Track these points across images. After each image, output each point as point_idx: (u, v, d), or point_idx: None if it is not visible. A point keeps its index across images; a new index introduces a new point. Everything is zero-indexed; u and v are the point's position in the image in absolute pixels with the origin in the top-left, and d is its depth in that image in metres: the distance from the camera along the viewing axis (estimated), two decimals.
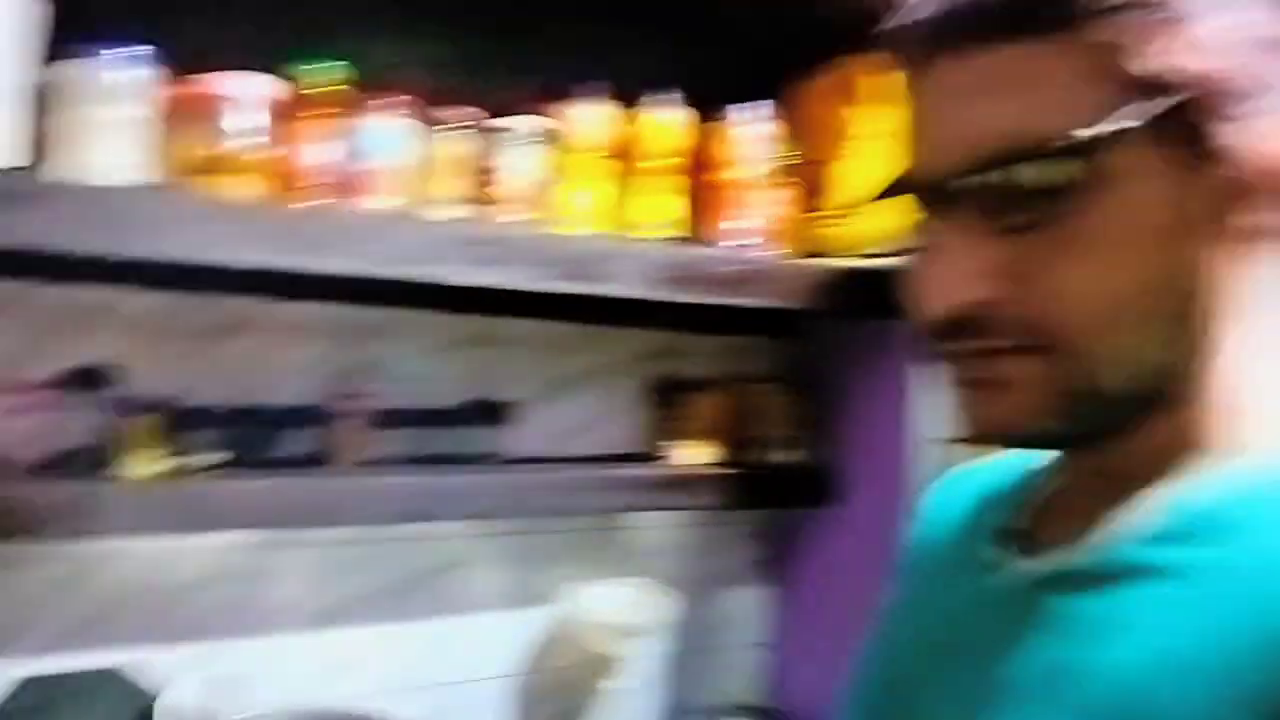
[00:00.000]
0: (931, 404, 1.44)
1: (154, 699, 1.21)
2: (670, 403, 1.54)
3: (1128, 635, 0.51)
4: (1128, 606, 0.52)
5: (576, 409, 1.55)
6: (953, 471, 0.79)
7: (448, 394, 1.43)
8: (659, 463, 1.51)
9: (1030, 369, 0.53)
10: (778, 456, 1.58)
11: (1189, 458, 0.54)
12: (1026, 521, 0.64)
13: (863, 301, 1.46)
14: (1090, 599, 0.54)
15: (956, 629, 0.64)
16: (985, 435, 0.58)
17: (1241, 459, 0.53)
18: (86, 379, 1.16)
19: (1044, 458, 0.66)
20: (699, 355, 1.64)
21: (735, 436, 1.56)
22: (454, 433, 1.38)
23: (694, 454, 1.51)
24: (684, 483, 1.47)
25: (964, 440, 0.60)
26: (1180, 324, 0.53)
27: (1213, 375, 0.54)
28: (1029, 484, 0.67)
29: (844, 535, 1.57)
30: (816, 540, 1.65)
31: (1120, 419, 0.55)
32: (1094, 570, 0.55)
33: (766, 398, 1.59)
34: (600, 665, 1.52)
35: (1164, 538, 0.53)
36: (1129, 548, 0.54)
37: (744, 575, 1.72)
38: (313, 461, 1.27)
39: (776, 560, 1.72)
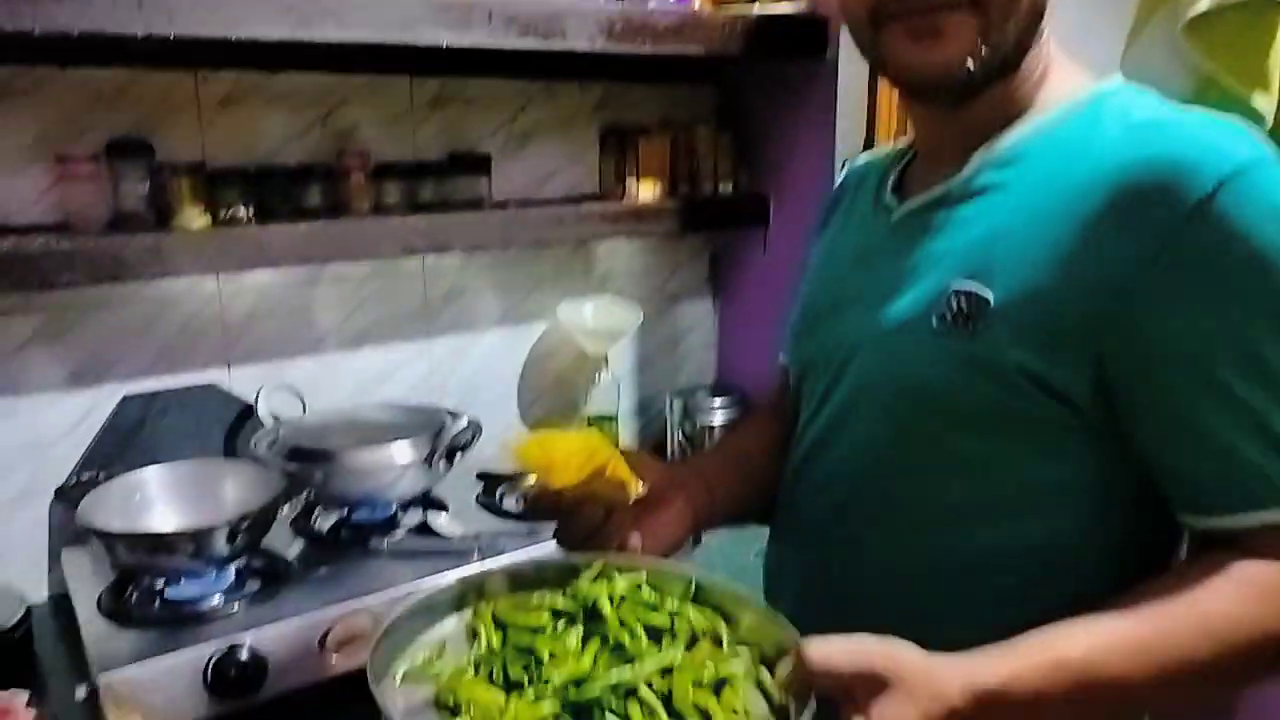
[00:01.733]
0: (848, 131, 1.56)
1: (249, 404, 1.39)
2: (623, 147, 1.64)
3: (979, 224, 0.71)
4: (976, 210, 0.72)
5: (542, 158, 1.65)
6: (858, 156, 0.96)
7: (430, 150, 1.52)
8: (618, 199, 1.64)
9: (962, 21, 0.68)
10: (718, 188, 1.71)
11: (1015, 112, 0.73)
12: (904, 180, 0.82)
13: (785, 45, 1.55)
14: (953, 211, 0.74)
15: (863, 258, 0.82)
16: (924, 78, 0.73)
17: (1040, 112, 0.73)
18: (126, 149, 1.25)
19: (909, 142, 0.85)
20: (645, 104, 1.73)
21: (681, 173, 1.69)
22: (442, 183, 1.48)
23: (646, 190, 1.64)
24: (641, 214, 1.61)
25: (905, 82, 0.75)
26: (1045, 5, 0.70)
27: (1038, 50, 0.72)
28: (901, 158, 0.85)
29: (776, 249, 1.73)
30: (753, 256, 1.80)
31: (995, 77, 0.71)
32: (955, 194, 0.74)
33: (706, 138, 1.69)
34: (588, 364, 1.71)
35: (995, 166, 0.72)
36: (976, 176, 0.73)
37: (696, 289, 1.89)
38: (329, 210, 1.39)
39: (722, 275, 1.89)
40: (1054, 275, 0.65)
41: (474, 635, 0.72)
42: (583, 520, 0.78)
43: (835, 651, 0.60)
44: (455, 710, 0.64)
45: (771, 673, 0.67)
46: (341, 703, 1.02)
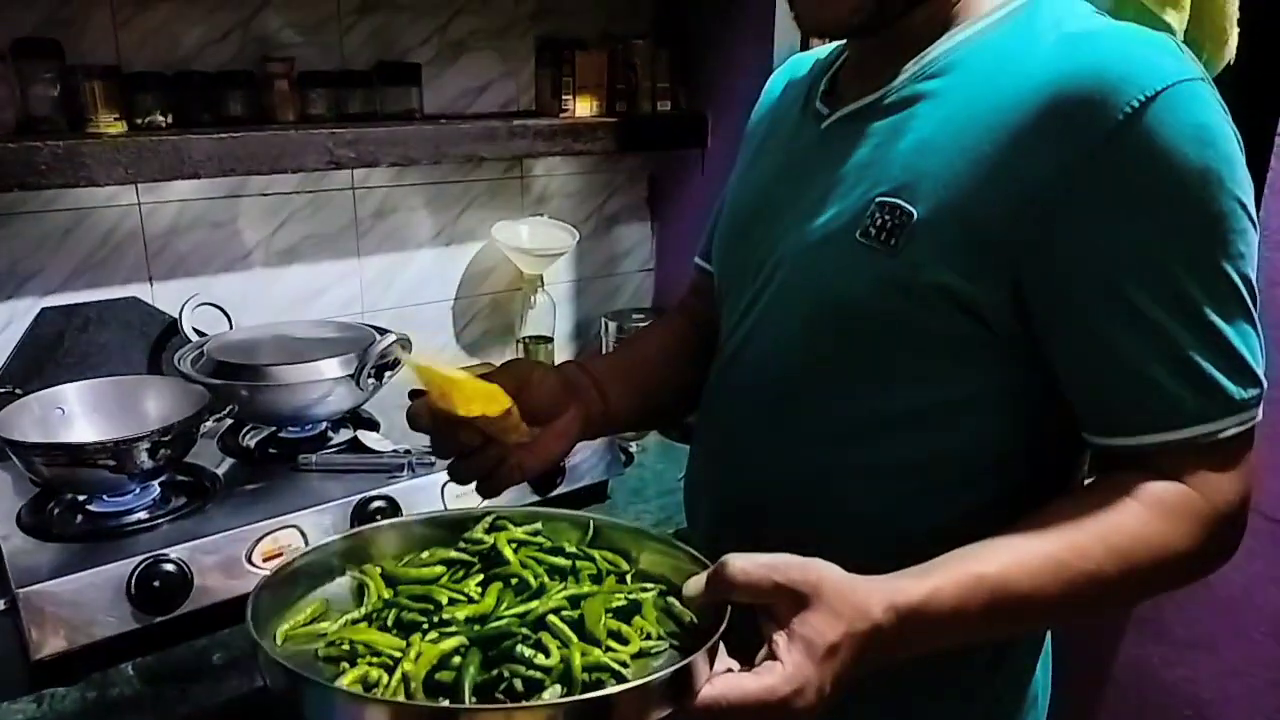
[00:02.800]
0: (786, 49, 1.54)
1: (172, 319, 1.35)
2: (559, 61, 1.60)
3: (907, 136, 0.70)
4: (903, 121, 0.71)
5: (476, 70, 1.60)
6: (785, 62, 0.94)
7: (358, 58, 1.47)
8: (555, 115, 1.60)
9: None
10: (656, 106, 1.69)
11: (948, 20, 0.72)
12: (835, 86, 0.81)
13: None
14: (881, 121, 0.73)
15: (791, 166, 0.81)
16: (825, 30, 0.74)
17: (974, 20, 0.71)
18: (32, 50, 1.19)
19: (843, 45, 0.82)
20: (582, 14, 1.68)
21: (619, 90, 1.66)
22: (370, 93, 1.44)
23: (584, 106, 1.61)
24: (578, 131, 1.58)
25: (812, 32, 0.74)
26: None
27: None
28: (834, 62, 0.83)
29: (714, 171, 1.71)
30: (691, 177, 1.79)
31: (903, 8, 0.71)
32: (884, 103, 0.73)
33: (644, 53, 1.66)
34: (524, 285, 1.70)
35: (926, 76, 0.71)
36: (907, 86, 0.72)
37: (634, 211, 1.88)
38: (252, 120, 1.34)
39: (660, 197, 1.87)
40: (978, 191, 0.65)
41: (361, 591, 0.69)
42: (464, 437, 0.74)
43: (755, 566, 0.60)
44: (351, 659, 0.61)
45: (680, 601, 0.67)
46: None
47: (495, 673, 0.58)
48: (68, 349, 1.30)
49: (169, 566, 0.98)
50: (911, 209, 0.67)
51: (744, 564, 0.60)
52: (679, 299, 1.02)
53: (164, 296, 1.39)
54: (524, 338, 1.71)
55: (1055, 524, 0.65)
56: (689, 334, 0.95)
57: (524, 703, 0.56)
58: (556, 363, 0.85)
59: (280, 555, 1.06)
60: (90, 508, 1.07)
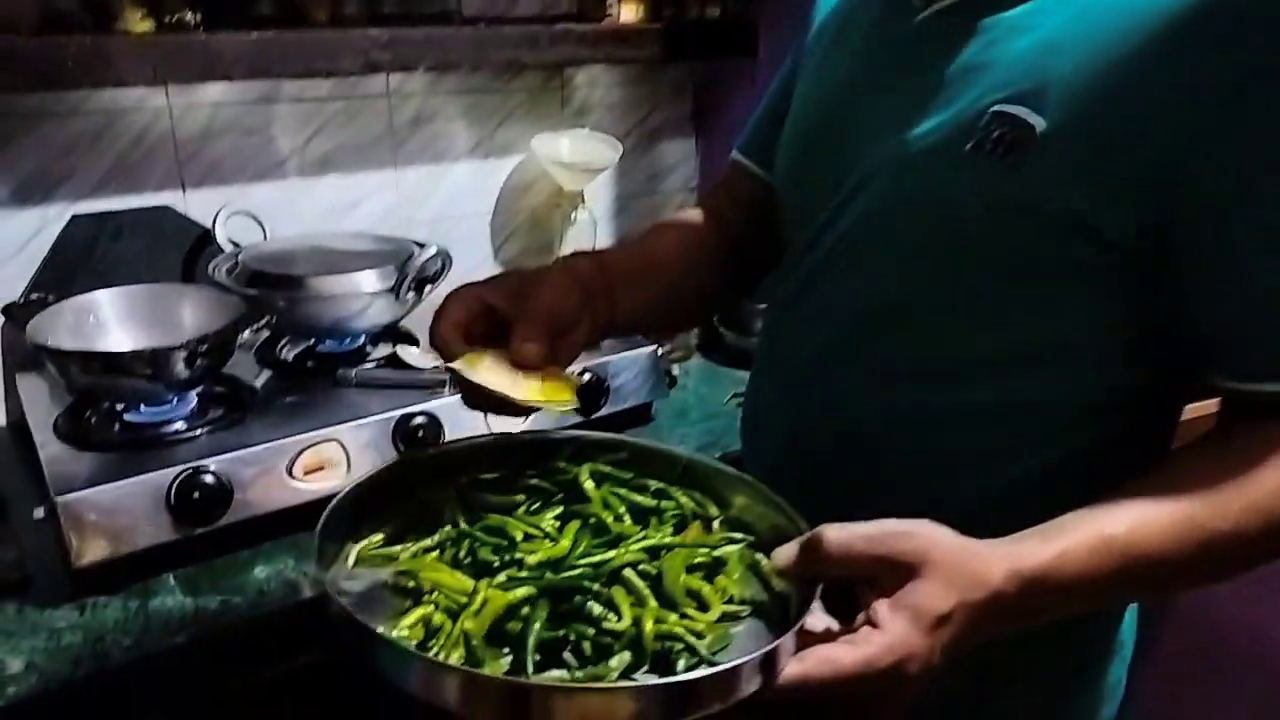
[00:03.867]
0: None
1: (205, 229, 1.31)
2: None
3: (1030, 33, 0.61)
4: (1025, 16, 0.62)
5: None
6: None
7: None
8: (598, 20, 1.52)
9: None
10: (704, 11, 1.59)
11: None
12: None
13: None
14: (995, 15, 0.64)
15: (877, 67, 0.71)
16: None
17: None
18: None
19: None
20: None
21: None
22: None
23: (628, 11, 1.52)
24: (622, 37, 1.50)
25: None
26: None
27: None
28: None
29: (763, 83, 1.62)
30: (738, 91, 1.70)
31: None
32: None
33: None
34: (564, 201, 1.64)
35: None
36: None
37: (678, 125, 1.80)
38: (283, 19, 1.27)
39: (706, 110, 1.79)
40: (1118, 102, 0.57)
41: (437, 514, 0.66)
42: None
43: (855, 538, 0.54)
44: (416, 595, 0.58)
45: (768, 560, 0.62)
46: (311, 526, 1.00)
47: (562, 632, 0.54)
48: (100, 257, 1.27)
49: (208, 478, 0.95)
50: (1036, 121, 0.59)
51: (842, 536, 0.55)
52: (706, 195, 0.92)
53: (197, 205, 1.35)
54: (563, 257, 1.66)
55: (1186, 479, 0.59)
56: (712, 238, 0.87)
57: (590, 683, 0.52)
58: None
59: (322, 469, 1.04)
60: (127, 417, 1.05)
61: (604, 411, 1.24)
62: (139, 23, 1.16)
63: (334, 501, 0.62)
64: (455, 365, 0.63)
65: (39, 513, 0.90)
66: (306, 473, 1.02)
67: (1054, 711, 0.78)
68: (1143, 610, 0.85)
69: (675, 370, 1.46)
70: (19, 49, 1.06)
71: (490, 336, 0.67)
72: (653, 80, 1.73)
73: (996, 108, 0.61)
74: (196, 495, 0.94)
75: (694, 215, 0.90)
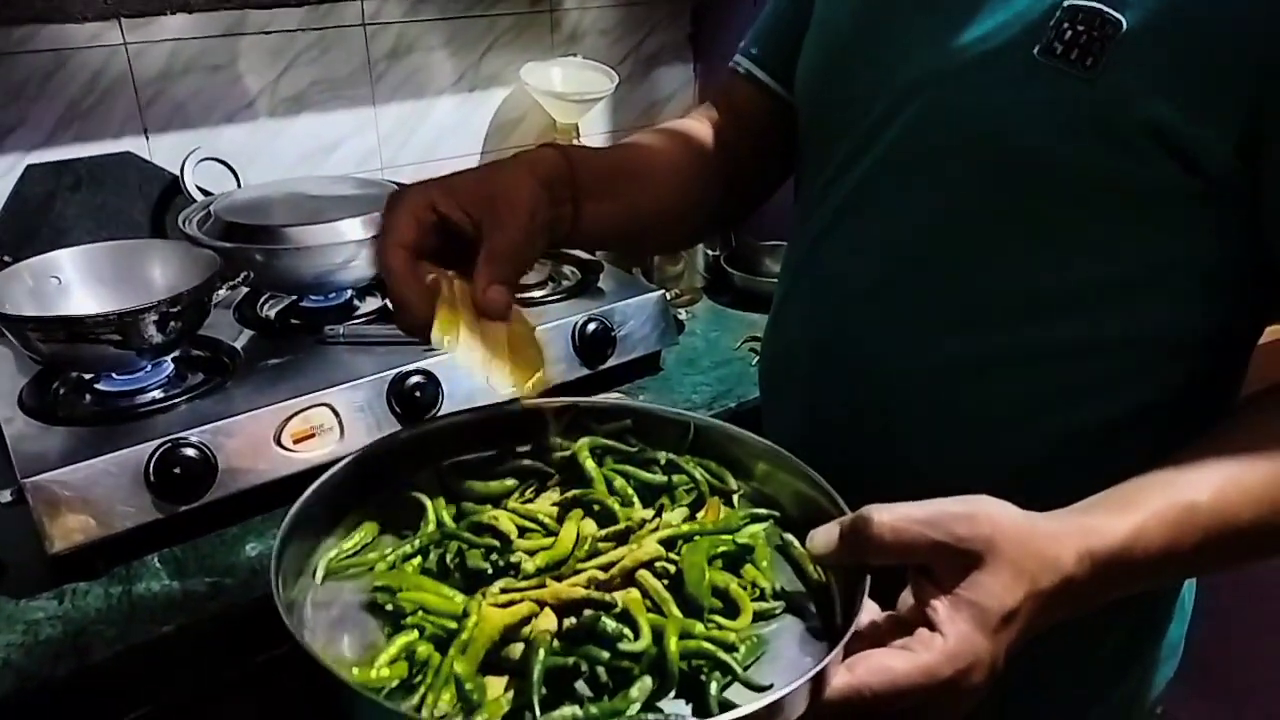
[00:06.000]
0: None
1: (173, 176, 1.22)
2: None
3: None
4: None
5: None
6: None
7: None
8: None
9: None
10: None
11: None
12: None
13: None
14: None
15: None
16: None
17: None
18: None
19: None
20: None
21: None
22: None
23: None
24: None
25: None
26: None
27: None
28: None
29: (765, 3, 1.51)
30: (739, 10, 1.59)
31: None
32: None
33: None
34: (556, 134, 1.54)
35: None
36: None
37: (676, 50, 1.69)
38: None
39: (705, 33, 1.68)
40: None
41: (417, 509, 0.57)
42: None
43: (908, 522, 0.47)
44: (397, 619, 0.49)
45: (799, 539, 0.54)
46: None
47: (572, 661, 0.46)
48: (59, 211, 1.17)
49: (190, 451, 0.88)
50: (1118, 16, 0.50)
51: (894, 520, 0.47)
52: (700, 107, 0.81)
53: (161, 151, 1.25)
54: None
55: (1273, 431, 0.52)
56: (705, 153, 0.76)
57: None
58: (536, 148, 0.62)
59: (313, 436, 0.96)
60: (98, 387, 0.97)
61: (610, 363, 1.16)
62: None
63: (292, 510, 0.53)
64: (434, 340, 0.54)
65: (5, 496, 0.83)
66: (296, 441, 0.95)
67: (1111, 676, 0.73)
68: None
69: (683, 315, 1.38)
70: None
71: (442, 252, 0.56)
72: (648, 1, 1.61)
73: (1069, 3, 0.52)
74: (178, 470, 0.87)
75: (685, 124, 0.78)
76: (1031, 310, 0.59)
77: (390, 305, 0.56)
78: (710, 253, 1.48)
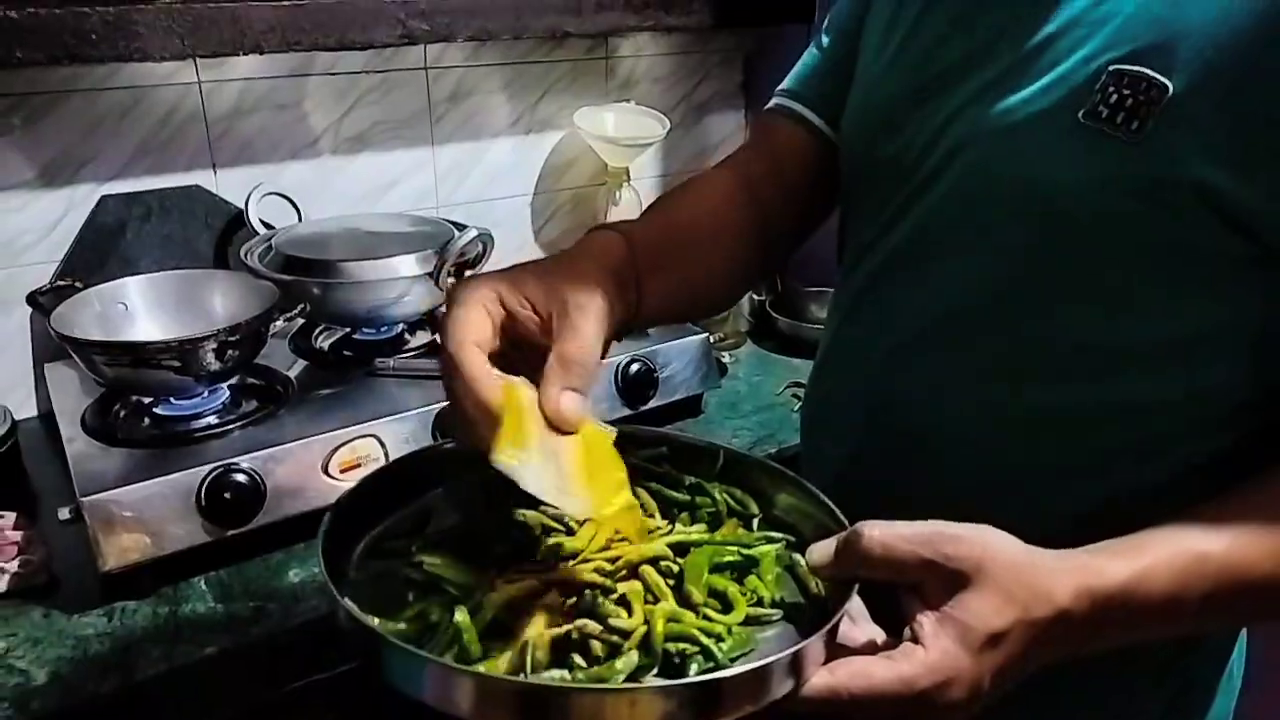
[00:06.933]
0: None
1: (238, 210, 1.26)
2: None
3: None
4: None
5: None
6: None
7: None
8: None
9: None
10: None
11: None
12: None
13: None
14: None
15: (965, 19, 0.62)
16: None
17: None
18: None
19: None
20: None
21: None
22: None
23: None
24: (671, 3, 1.41)
25: None
26: None
27: None
28: None
29: None
30: (791, 60, 1.60)
31: None
32: None
33: None
34: (608, 179, 1.57)
35: None
36: None
37: (728, 97, 1.71)
38: None
39: (757, 82, 1.70)
40: (1264, 56, 0.49)
41: (463, 505, 0.61)
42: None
43: (900, 535, 0.48)
44: (425, 589, 0.53)
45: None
46: None
47: (568, 629, 0.49)
48: (129, 240, 1.22)
49: (240, 477, 0.90)
50: (1164, 80, 0.51)
51: (884, 535, 0.48)
52: (742, 154, 0.80)
53: (228, 184, 1.30)
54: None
55: None
56: (742, 205, 0.74)
57: (580, 684, 0.46)
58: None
59: (358, 466, 0.98)
60: (157, 410, 1.00)
61: (652, 404, 1.17)
62: None
63: (351, 488, 0.58)
64: (501, 461, 0.48)
65: (64, 513, 0.86)
66: (343, 470, 0.97)
67: None
68: (1253, 632, 0.77)
69: (726, 358, 1.39)
70: (41, 20, 1.01)
71: (509, 354, 0.53)
72: (701, 49, 1.64)
73: (1116, 66, 0.52)
74: (228, 495, 0.89)
75: (721, 177, 0.76)
76: (1079, 369, 0.59)
77: (455, 413, 0.50)
78: (756, 297, 1.49)
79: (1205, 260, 0.54)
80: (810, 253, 0.84)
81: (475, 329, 0.50)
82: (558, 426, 0.49)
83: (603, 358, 0.54)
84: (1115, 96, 0.52)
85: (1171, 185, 0.51)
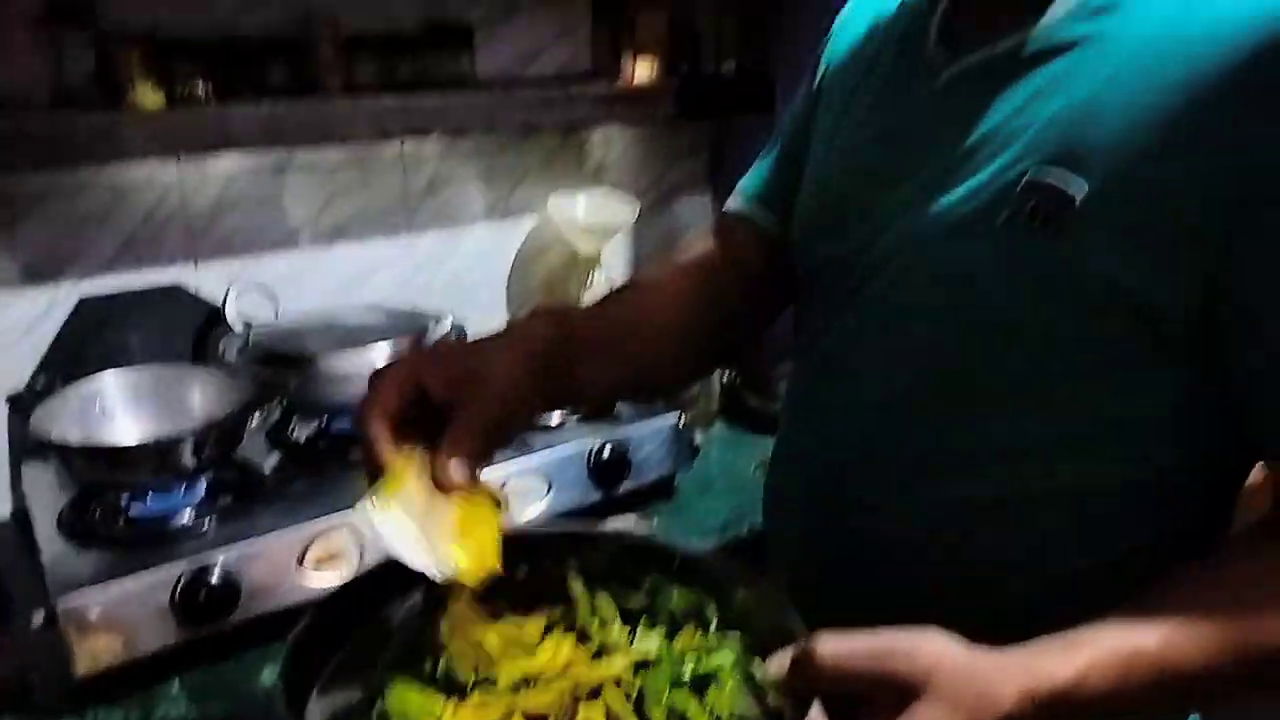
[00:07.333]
0: None
1: (216, 308, 1.28)
2: (618, 20, 1.48)
3: (1063, 94, 0.57)
4: (1060, 73, 0.58)
5: (530, 31, 1.49)
6: None
7: (406, 20, 1.36)
8: (613, 80, 1.50)
9: None
10: (720, 68, 1.57)
11: None
12: (950, 28, 0.66)
13: None
14: (1029, 75, 0.59)
15: (897, 129, 0.67)
16: None
17: None
18: (68, 11, 1.11)
19: None
20: None
21: (681, 52, 1.54)
22: (420, 58, 1.34)
23: (644, 69, 1.50)
24: (637, 97, 1.47)
25: None
26: None
27: None
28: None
29: None
30: (755, 148, 1.66)
31: None
32: (1031, 49, 0.59)
33: (707, 12, 1.54)
34: (580, 263, 1.60)
35: (1091, 11, 0.58)
36: (1060, 26, 0.59)
37: (696, 182, 1.77)
38: (296, 88, 1.25)
39: (724, 168, 1.76)
40: (1165, 165, 0.52)
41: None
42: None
43: (851, 650, 0.49)
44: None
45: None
46: None
47: None
48: (110, 338, 1.24)
49: (215, 576, 0.91)
50: (1076, 186, 0.55)
51: (837, 650, 0.50)
52: (694, 251, 0.82)
53: (208, 279, 1.32)
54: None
55: (1230, 579, 0.54)
56: (699, 293, 0.76)
57: None
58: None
59: (333, 559, 0.99)
60: (133, 511, 1.00)
61: (624, 488, 1.19)
62: (150, 95, 1.14)
63: (294, 633, 0.57)
64: (367, 506, 0.53)
65: (38, 619, 0.86)
66: (318, 563, 0.98)
67: None
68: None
69: (698, 438, 1.41)
70: (29, 127, 1.04)
71: (425, 422, 0.57)
72: (669, 137, 1.70)
73: (1034, 175, 0.56)
74: (203, 595, 0.90)
75: (677, 265, 0.80)
76: (1014, 460, 0.61)
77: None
78: (726, 377, 1.52)
79: (1124, 352, 0.57)
80: (783, 329, 0.86)
81: (382, 401, 0.56)
82: (438, 487, 0.55)
83: (530, 429, 0.59)
84: (1033, 203, 0.56)
85: (1088, 282, 0.55)
